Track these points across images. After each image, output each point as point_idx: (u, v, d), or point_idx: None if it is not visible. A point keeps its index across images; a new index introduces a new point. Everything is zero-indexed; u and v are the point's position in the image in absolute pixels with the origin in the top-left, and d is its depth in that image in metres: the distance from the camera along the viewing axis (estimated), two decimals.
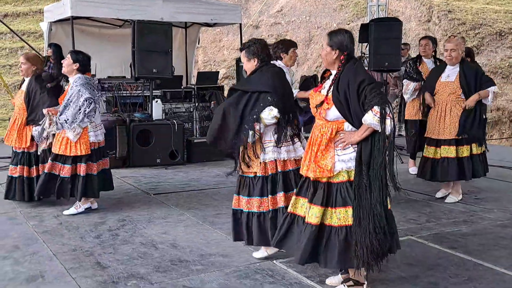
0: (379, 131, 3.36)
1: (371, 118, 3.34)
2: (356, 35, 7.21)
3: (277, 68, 4.39)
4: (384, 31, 8.60)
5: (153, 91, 8.81)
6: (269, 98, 4.05)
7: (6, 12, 18.25)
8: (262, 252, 4.32)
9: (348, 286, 3.63)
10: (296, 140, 4.24)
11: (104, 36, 10.36)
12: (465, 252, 4.48)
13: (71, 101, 5.36)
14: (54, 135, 5.56)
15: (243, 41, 9.15)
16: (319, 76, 8.19)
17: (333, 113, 3.50)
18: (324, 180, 3.51)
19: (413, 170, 7.77)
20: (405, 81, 7.36)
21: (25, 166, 5.94)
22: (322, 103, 3.52)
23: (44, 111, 5.57)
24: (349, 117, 3.45)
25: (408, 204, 6.04)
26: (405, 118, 7.72)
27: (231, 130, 4.06)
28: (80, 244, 4.72)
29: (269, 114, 4.05)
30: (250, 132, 4.04)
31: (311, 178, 3.56)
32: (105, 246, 4.67)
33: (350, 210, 3.44)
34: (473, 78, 6.02)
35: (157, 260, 4.32)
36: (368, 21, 9.51)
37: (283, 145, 4.15)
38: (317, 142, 3.54)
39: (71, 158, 5.48)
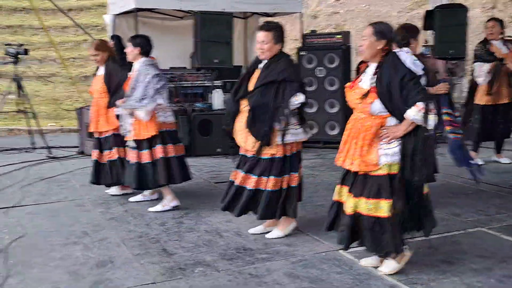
0: (423, 125, 3.42)
1: (415, 114, 3.41)
2: (419, 24, 7.04)
3: (290, 56, 4.49)
4: (449, 18, 8.35)
5: (214, 82, 8.85)
6: (295, 85, 4.26)
7: (70, 7, 18.73)
8: (260, 228, 4.66)
9: (392, 258, 3.75)
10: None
11: (166, 28, 10.47)
12: None
13: (138, 81, 5.20)
14: None
15: (303, 32, 9.08)
16: None
17: (377, 106, 3.54)
18: (363, 172, 3.60)
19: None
20: (477, 64, 7.10)
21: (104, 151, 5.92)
22: (367, 94, 3.54)
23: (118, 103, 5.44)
24: (392, 110, 3.51)
25: (476, 195, 5.85)
26: (475, 103, 7.39)
27: (266, 120, 4.24)
28: (146, 231, 4.80)
29: (296, 100, 4.25)
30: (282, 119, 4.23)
31: (352, 170, 3.65)
32: (170, 233, 4.72)
33: (383, 203, 3.54)
34: None
35: (222, 248, 4.34)
36: (431, 8, 9.23)
37: (296, 127, 4.39)
38: (361, 137, 3.58)
39: (146, 143, 5.30)
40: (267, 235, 4.57)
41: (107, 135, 5.87)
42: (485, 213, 5.19)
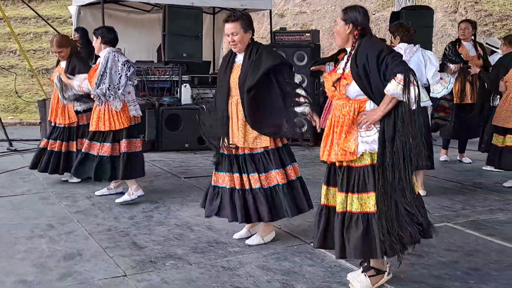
0: (404, 100, 3.15)
1: (394, 87, 3.14)
2: (383, 25, 7.12)
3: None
4: (415, 19, 8.47)
5: (182, 76, 8.79)
6: (288, 67, 4.13)
7: None
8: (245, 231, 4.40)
9: (369, 275, 3.43)
10: None
11: (132, 21, 10.35)
12: (503, 239, 4.40)
13: (107, 69, 5.09)
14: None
15: (273, 30, 9.08)
16: None
17: (354, 89, 3.31)
18: (345, 164, 3.35)
19: (444, 158, 7.69)
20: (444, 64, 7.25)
21: (63, 142, 6.01)
22: (339, 79, 3.33)
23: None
24: (370, 92, 3.26)
25: (440, 191, 5.97)
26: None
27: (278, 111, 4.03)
28: (115, 224, 4.72)
29: (297, 79, 4.12)
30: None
31: (337, 164, 3.41)
32: (140, 227, 4.66)
33: (371, 196, 3.27)
34: None
35: (193, 241, 4.31)
36: (398, 9, 9.39)
37: None
38: (339, 124, 3.35)
39: (111, 135, 5.29)
40: (247, 241, 4.30)
41: (58, 125, 6.02)
42: (451, 209, 5.29)
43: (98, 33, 5.31)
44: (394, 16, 8.94)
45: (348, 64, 3.36)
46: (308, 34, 8.83)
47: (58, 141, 6.03)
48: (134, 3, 9.89)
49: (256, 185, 4.11)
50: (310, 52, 8.72)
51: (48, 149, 6.04)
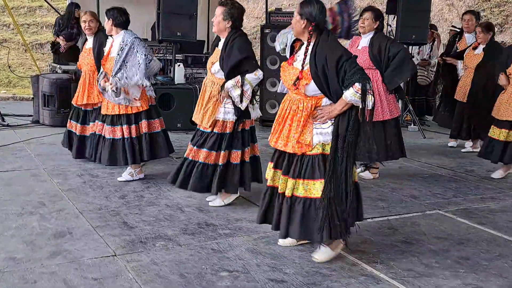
0: (360, 107, 3.37)
1: (352, 95, 3.34)
2: (380, 7, 7.09)
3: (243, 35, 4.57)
4: (413, 2, 8.42)
5: (175, 55, 8.70)
6: (253, 62, 4.47)
7: None
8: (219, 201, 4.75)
9: (327, 245, 3.65)
10: None
11: None
12: (494, 228, 4.42)
13: (125, 61, 5.08)
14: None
15: (268, 10, 9.01)
16: None
17: (312, 87, 3.48)
18: (299, 153, 3.53)
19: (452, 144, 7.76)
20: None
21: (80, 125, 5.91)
22: (298, 78, 3.48)
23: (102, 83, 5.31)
24: (327, 92, 3.44)
25: (433, 179, 5.98)
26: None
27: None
28: (106, 203, 4.70)
29: (255, 76, 4.44)
30: None
31: (288, 152, 3.58)
32: (130, 206, 4.64)
33: (317, 183, 3.46)
34: None
35: (184, 222, 4.29)
36: None
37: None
38: (297, 118, 3.53)
39: (133, 117, 5.26)
40: (210, 203, 4.77)
41: (95, 107, 5.82)
42: (442, 196, 5.30)
43: (109, 14, 5.24)
44: (391, 0, 8.88)
45: (307, 61, 3.47)
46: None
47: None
48: None
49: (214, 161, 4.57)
50: None
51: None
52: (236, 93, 4.39)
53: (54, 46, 9.60)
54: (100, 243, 3.82)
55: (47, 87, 7.88)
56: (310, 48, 3.48)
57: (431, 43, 9.61)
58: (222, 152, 4.54)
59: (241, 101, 4.42)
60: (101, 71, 5.37)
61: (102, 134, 5.40)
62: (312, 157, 3.50)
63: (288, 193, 3.55)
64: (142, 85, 5.19)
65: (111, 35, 5.33)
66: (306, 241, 3.84)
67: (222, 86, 4.43)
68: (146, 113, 5.31)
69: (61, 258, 3.55)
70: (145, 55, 5.13)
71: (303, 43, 3.59)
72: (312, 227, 3.47)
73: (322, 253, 3.65)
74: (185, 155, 4.66)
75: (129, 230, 4.09)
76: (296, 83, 3.49)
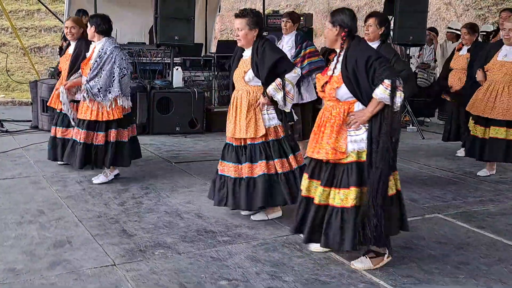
0: (390, 105, 3.33)
1: (382, 92, 3.33)
2: (378, 7, 7.07)
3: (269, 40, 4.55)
4: (410, 3, 8.44)
5: (174, 59, 8.71)
6: (288, 61, 4.45)
7: None
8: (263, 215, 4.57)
9: (370, 257, 3.64)
10: None
11: (124, 2, 10.24)
12: (494, 232, 4.41)
13: (102, 68, 5.16)
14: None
15: (265, 12, 9.02)
16: None
17: (343, 91, 3.48)
18: (332, 160, 3.51)
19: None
20: None
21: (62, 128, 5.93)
22: (326, 82, 3.52)
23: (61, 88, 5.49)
24: (359, 94, 3.44)
25: (432, 181, 5.98)
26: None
27: None
28: (105, 211, 4.70)
29: (295, 73, 4.39)
30: None
31: (323, 160, 3.56)
32: (129, 214, 4.64)
33: (352, 192, 3.44)
34: None
35: (183, 229, 4.29)
36: None
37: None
38: (330, 124, 3.52)
39: (105, 124, 5.32)
40: (252, 216, 4.57)
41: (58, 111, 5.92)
42: (442, 199, 5.30)
43: (92, 21, 5.30)
44: (389, 1, 8.89)
45: (338, 66, 3.51)
46: (301, 18, 8.73)
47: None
48: None
49: (259, 172, 4.35)
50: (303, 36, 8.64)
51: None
52: (280, 95, 4.31)
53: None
54: (99, 252, 3.82)
55: (46, 93, 7.87)
56: (342, 53, 3.53)
57: (432, 47, 9.62)
58: (292, 155, 4.41)
59: (285, 103, 4.34)
60: (73, 73, 5.56)
61: (76, 139, 5.43)
62: (347, 166, 3.47)
63: (320, 201, 3.54)
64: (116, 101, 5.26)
65: (93, 41, 5.40)
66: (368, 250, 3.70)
67: (264, 92, 4.33)
68: (117, 122, 5.36)
69: (61, 268, 3.55)
70: (120, 68, 5.19)
71: (336, 54, 3.62)
72: (345, 235, 3.46)
73: (361, 262, 3.65)
74: (232, 176, 4.40)
75: (128, 238, 4.09)
76: (323, 87, 3.54)
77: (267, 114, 4.38)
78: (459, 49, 7.21)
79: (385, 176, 3.39)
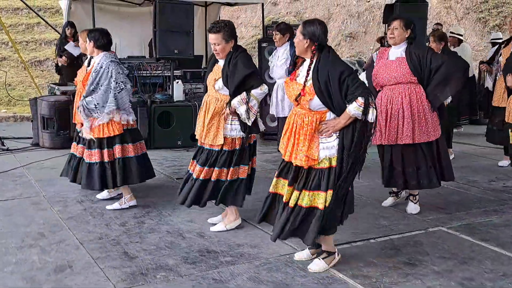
0: (363, 120, 3.50)
1: (355, 109, 3.49)
2: (378, 12, 7.03)
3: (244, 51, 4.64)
4: (409, 12, 8.38)
5: (174, 72, 8.70)
6: (258, 77, 4.54)
7: None
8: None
9: (323, 258, 3.89)
10: None
11: (123, 14, 10.25)
12: (498, 245, 4.38)
13: (99, 83, 5.07)
14: None
15: (264, 20, 9.04)
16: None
17: (316, 102, 3.62)
18: (306, 166, 3.68)
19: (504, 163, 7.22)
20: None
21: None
22: (299, 95, 3.63)
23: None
24: (331, 106, 3.59)
25: (435, 191, 5.90)
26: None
27: None
28: (106, 232, 4.68)
29: (261, 90, 4.47)
30: None
31: (294, 164, 3.73)
32: (131, 234, 4.62)
33: (322, 194, 3.63)
34: None
35: (185, 250, 4.26)
36: (392, 1, 9.29)
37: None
38: (303, 132, 3.66)
39: (106, 141, 5.17)
40: (211, 228, 4.76)
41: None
42: (445, 211, 5.26)
43: (91, 36, 5.24)
44: (389, 9, 8.86)
45: (309, 78, 3.62)
46: (293, 28, 8.71)
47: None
48: None
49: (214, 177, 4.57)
50: None
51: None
52: (243, 109, 4.39)
53: (58, 67, 9.69)
54: (100, 277, 3.79)
55: (46, 110, 7.89)
56: (312, 65, 3.62)
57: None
58: (232, 168, 4.56)
59: (248, 116, 4.41)
60: None
61: (83, 157, 5.36)
62: (319, 171, 3.66)
63: (291, 203, 3.71)
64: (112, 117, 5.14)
65: (92, 56, 5.36)
66: (320, 252, 3.97)
67: (228, 103, 4.43)
68: (120, 138, 5.21)
69: None
70: (116, 82, 5.09)
71: (304, 60, 3.73)
72: (307, 229, 3.70)
73: (316, 265, 3.88)
74: (194, 176, 4.61)
75: (130, 261, 4.06)
76: (297, 99, 3.66)
77: (230, 124, 4.50)
78: None
79: (351, 182, 3.70)
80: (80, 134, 5.48)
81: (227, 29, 4.40)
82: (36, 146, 8.20)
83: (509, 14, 15.47)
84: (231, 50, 4.44)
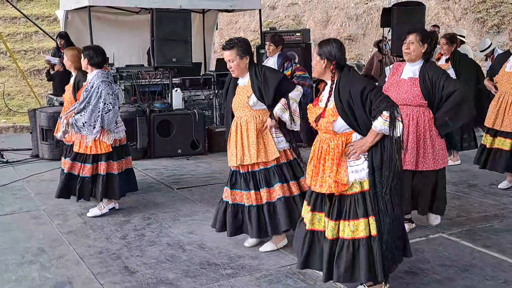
0: (390, 135, 3.31)
1: (381, 124, 3.30)
2: (376, 15, 7.03)
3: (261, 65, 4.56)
4: (406, 15, 8.41)
5: (172, 79, 8.71)
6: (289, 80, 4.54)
7: None
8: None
9: (368, 286, 3.55)
10: None
11: (121, 23, 10.25)
12: (499, 251, 4.37)
13: (89, 102, 5.17)
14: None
15: (262, 24, 9.03)
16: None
17: (340, 124, 3.43)
18: (337, 193, 3.45)
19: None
20: None
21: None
22: (319, 117, 3.47)
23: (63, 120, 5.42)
24: (356, 126, 3.40)
25: None
26: None
27: None
28: (107, 245, 4.67)
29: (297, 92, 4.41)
30: None
31: (326, 193, 3.49)
32: (131, 248, 4.60)
33: (361, 223, 3.38)
34: None
35: (185, 263, 4.25)
36: (389, 4, 9.30)
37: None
38: (329, 157, 3.45)
39: (92, 157, 5.33)
40: (261, 248, 4.51)
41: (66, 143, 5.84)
42: (446, 216, 5.22)
43: (85, 54, 5.30)
44: (386, 12, 8.86)
45: (332, 99, 3.44)
46: (298, 34, 8.75)
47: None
48: (122, 6, 9.77)
49: (267, 199, 4.33)
50: (301, 52, 8.65)
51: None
52: (286, 115, 4.31)
53: (49, 74, 9.66)
54: None
55: (45, 121, 7.88)
56: (334, 86, 3.46)
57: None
58: (293, 182, 4.39)
59: (294, 120, 4.34)
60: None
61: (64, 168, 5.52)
62: (352, 197, 3.42)
63: (329, 235, 3.45)
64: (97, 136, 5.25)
65: (87, 73, 5.42)
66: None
67: (271, 115, 4.33)
68: (107, 155, 5.36)
69: None
70: (104, 103, 5.17)
71: (326, 84, 3.58)
72: (361, 267, 3.38)
73: None
74: (247, 204, 4.37)
75: (130, 275, 4.05)
76: (316, 120, 3.48)
77: (276, 137, 4.37)
78: (438, 59, 7.19)
79: (393, 205, 3.38)
80: (58, 137, 5.68)
81: (241, 45, 4.30)
82: (36, 158, 8.19)
83: (508, 14, 15.46)
84: (250, 65, 4.35)
